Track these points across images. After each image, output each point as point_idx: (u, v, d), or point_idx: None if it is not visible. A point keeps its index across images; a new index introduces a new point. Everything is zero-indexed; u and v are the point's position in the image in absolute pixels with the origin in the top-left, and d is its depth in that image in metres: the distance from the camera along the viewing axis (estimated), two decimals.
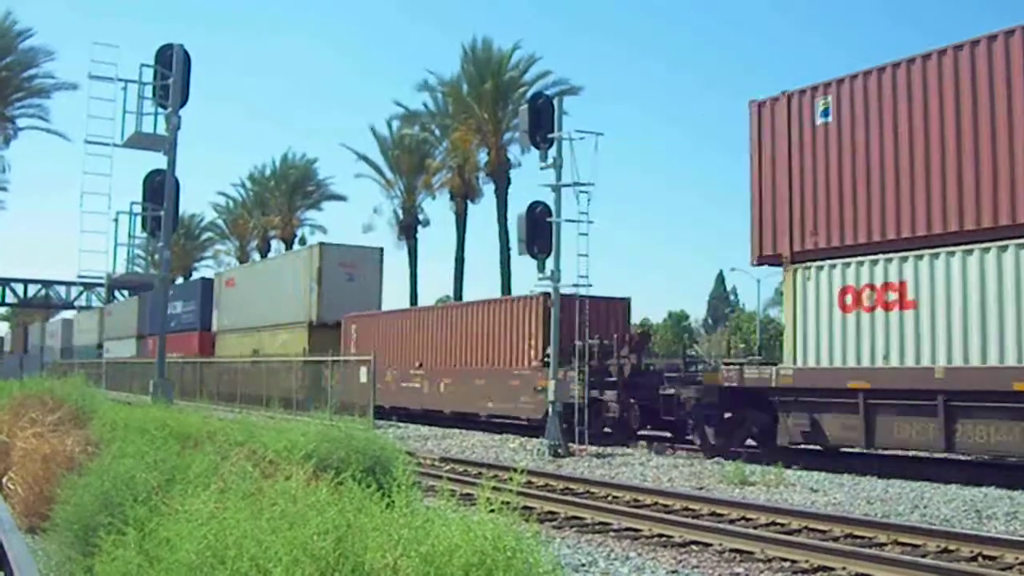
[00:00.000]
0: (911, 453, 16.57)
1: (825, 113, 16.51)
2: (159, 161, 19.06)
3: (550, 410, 19.41)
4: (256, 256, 63.42)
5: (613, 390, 20.98)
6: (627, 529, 10.50)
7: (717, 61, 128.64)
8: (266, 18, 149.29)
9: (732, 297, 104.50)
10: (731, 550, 9.27)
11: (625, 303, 25.14)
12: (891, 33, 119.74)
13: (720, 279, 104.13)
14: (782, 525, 10.53)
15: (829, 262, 16.19)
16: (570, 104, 35.70)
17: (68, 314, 78.96)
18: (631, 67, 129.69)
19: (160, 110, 18.81)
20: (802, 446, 16.66)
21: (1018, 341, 13.57)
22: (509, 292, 39.73)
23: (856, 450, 16.42)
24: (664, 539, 9.93)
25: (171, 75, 18.48)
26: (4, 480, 10.02)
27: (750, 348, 57.63)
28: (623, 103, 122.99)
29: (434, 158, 49.37)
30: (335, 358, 29.88)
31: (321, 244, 38.01)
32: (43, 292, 75.33)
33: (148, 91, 18.74)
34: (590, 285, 20.08)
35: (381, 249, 38.35)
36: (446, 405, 26.83)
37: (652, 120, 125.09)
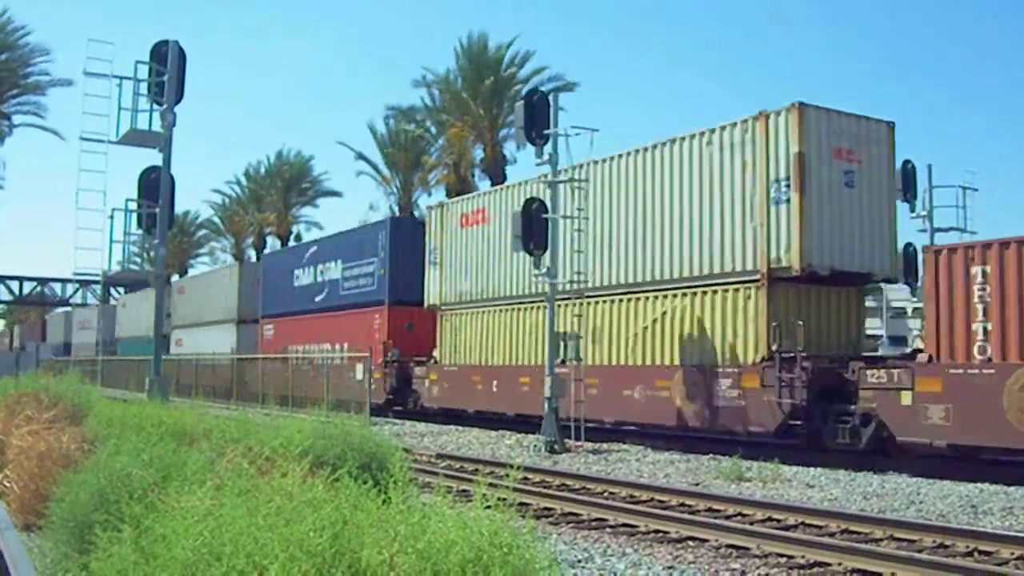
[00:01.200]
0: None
1: None
2: (154, 158, 19.07)
3: (546, 406, 19.40)
4: (252, 253, 63.18)
5: None
6: (623, 525, 10.51)
7: (715, 57, 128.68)
8: (262, 16, 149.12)
9: None
10: (728, 546, 9.29)
11: None
12: (892, 32, 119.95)
13: None
14: (778, 521, 10.55)
15: None
16: (566, 100, 35.75)
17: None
18: (627, 63, 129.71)
19: (155, 107, 18.81)
20: None
21: None
22: None
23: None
24: (661, 535, 9.93)
25: (166, 72, 18.47)
26: (0, 478, 10.01)
27: None
28: (619, 99, 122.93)
29: (430, 155, 49.46)
30: None
31: (800, 105, 17.02)
32: (39, 289, 75.18)
33: (143, 88, 18.73)
34: (586, 281, 20.08)
35: (892, 124, 18.41)
36: None
37: (649, 116, 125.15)
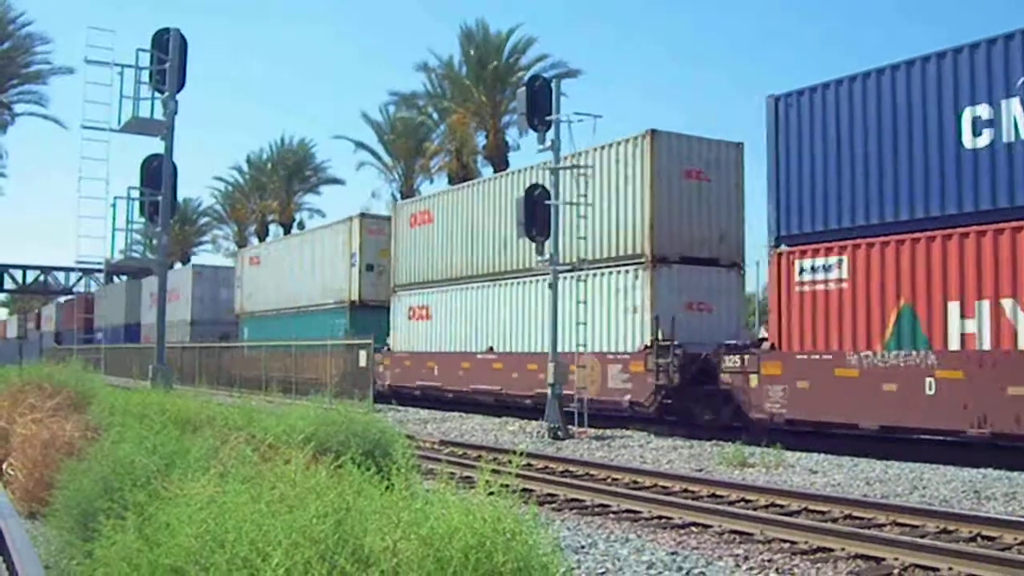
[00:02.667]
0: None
1: None
2: (157, 146, 19.02)
3: (549, 393, 19.42)
4: (254, 240, 63.09)
5: None
6: (626, 511, 10.52)
7: (716, 46, 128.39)
8: (265, 2, 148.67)
9: None
10: (731, 531, 9.29)
11: None
12: (890, 29, 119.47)
13: None
14: (781, 506, 10.55)
15: None
16: (568, 87, 35.67)
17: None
18: (630, 50, 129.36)
19: (157, 95, 18.75)
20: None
21: None
22: None
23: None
24: (664, 521, 9.95)
25: (168, 59, 18.40)
26: (4, 466, 10.03)
27: None
28: (622, 86, 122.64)
29: (432, 141, 49.41)
30: None
31: None
32: (42, 278, 75.31)
33: (145, 76, 18.66)
34: (589, 268, 20.05)
35: None
36: None
37: (651, 103, 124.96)
